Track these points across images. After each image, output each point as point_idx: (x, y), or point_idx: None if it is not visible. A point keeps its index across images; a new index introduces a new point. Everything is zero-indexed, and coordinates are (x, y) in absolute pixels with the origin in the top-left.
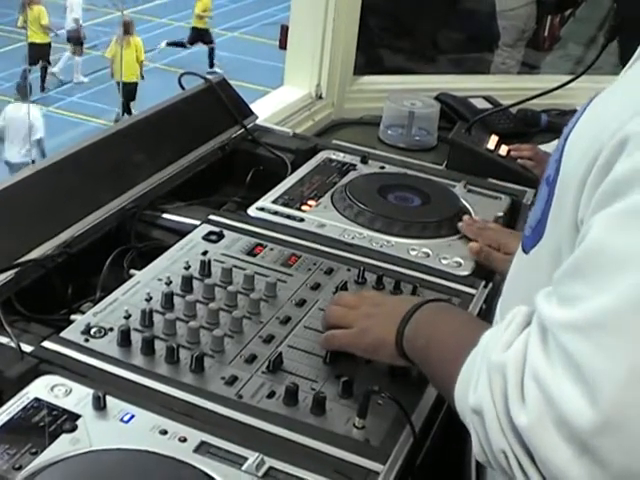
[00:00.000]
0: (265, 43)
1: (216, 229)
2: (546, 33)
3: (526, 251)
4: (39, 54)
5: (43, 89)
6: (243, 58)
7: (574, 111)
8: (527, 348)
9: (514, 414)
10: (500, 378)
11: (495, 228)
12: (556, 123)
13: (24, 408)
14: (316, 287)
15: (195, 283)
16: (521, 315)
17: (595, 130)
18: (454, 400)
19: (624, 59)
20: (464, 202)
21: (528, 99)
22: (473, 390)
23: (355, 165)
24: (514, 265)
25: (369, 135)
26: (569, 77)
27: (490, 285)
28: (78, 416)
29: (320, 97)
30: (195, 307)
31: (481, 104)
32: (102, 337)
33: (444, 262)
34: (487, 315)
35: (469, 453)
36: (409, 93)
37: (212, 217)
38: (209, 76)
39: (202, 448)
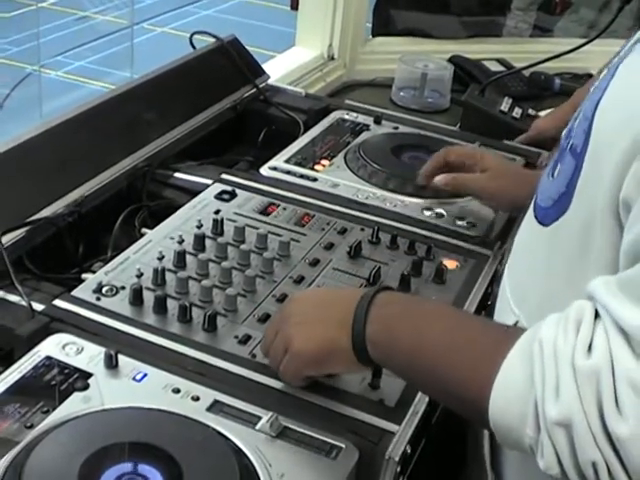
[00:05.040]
0: (275, 8)
1: (228, 188)
2: None
3: (545, 224)
4: None
5: None
6: (253, 23)
7: (588, 75)
8: (612, 352)
9: (612, 424)
10: (592, 385)
11: (459, 151)
12: (569, 87)
13: (35, 366)
14: (330, 247)
15: (207, 242)
16: (589, 313)
17: (634, 98)
18: (485, 410)
19: None
20: None
21: (541, 61)
22: (554, 401)
23: (368, 125)
24: (526, 236)
25: (381, 97)
26: (582, 40)
27: (505, 246)
28: (90, 375)
29: (332, 58)
30: (208, 266)
31: (494, 67)
32: (114, 295)
33: (458, 223)
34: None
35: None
36: (422, 55)
37: (224, 176)
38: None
39: (215, 407)
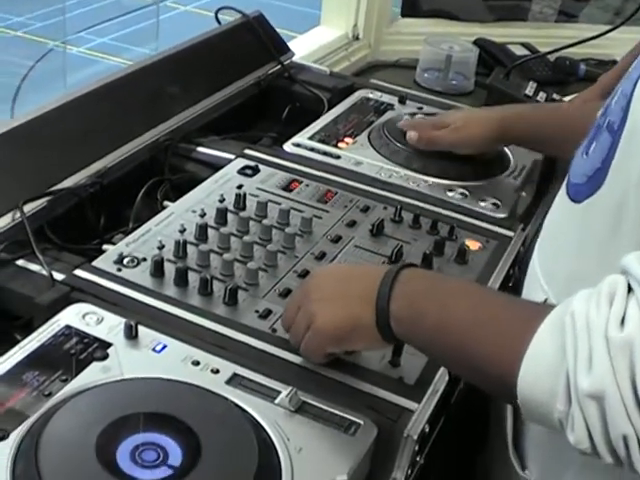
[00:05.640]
0: None
1: (251, 163)
2: None
3: (578, 200)
4: None
5: None
6: (277, 3)
7: (613, 61)
8: None
9: None
10: (626, 357)
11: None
12: (594, 72)
13: (55, 335)
14: (352, 224)
15: (230, 216)
16: (622, 286)
17: None
18: (513, 385)
19: None
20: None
21: (567, 46)
22: (586, 373)
23: (392, 105)
24: (558, 212)
25: (405, 78)
26: (608, 27)
27: (528, 228)
28: (109, 344)
29: (357, 38)
30: (229, 240)
31: (519, 51)
32: (135, 267)
33: (482, 204)
34: (524, 258)
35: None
36: (447, 37)
37: (247, 151)
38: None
39: (234, 380)
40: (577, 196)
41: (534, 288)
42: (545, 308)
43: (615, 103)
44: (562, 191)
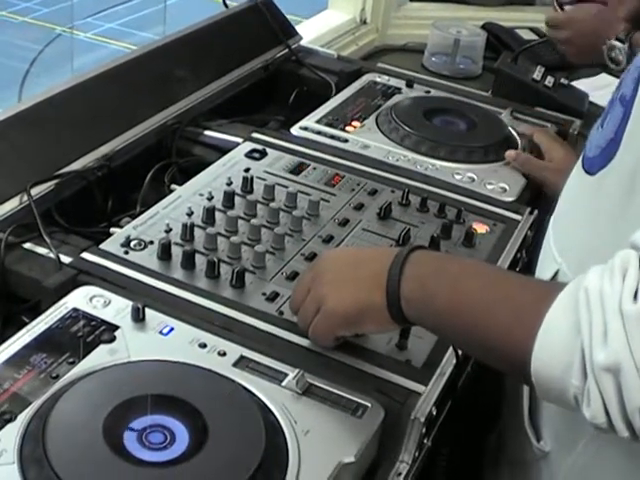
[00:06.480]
0: None
1: (259, 147)
2: None
3: (592, 172)
4: None
5: None
6: None
7: None
8: None
9: None
10: None
11: (541, 131)
12: None
13: (62, 318)
14: (359, 207)
15: (237, 199)
16: (634, 261)
17: None
18: (527, 363)
19: None
20: (510, 129)
21: None
22: (601, 346)
23: (400, 89)
24: (573, 185)
25: (413, 62)
26: None
27: (536, 212)
28: (117, 327)
29: (364, 22)
30: (237, 223)
31: (527, 35)
32: (142, 250)
33: (489, 187)
34: (532, 242)
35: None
36: (455, 21)
37: (255, 135)
38: None
39: (241, 362)
40: (591, 168)
41: (547, 260)
42: (557, 285)
43: (628, 75)
44: (578, 165)
